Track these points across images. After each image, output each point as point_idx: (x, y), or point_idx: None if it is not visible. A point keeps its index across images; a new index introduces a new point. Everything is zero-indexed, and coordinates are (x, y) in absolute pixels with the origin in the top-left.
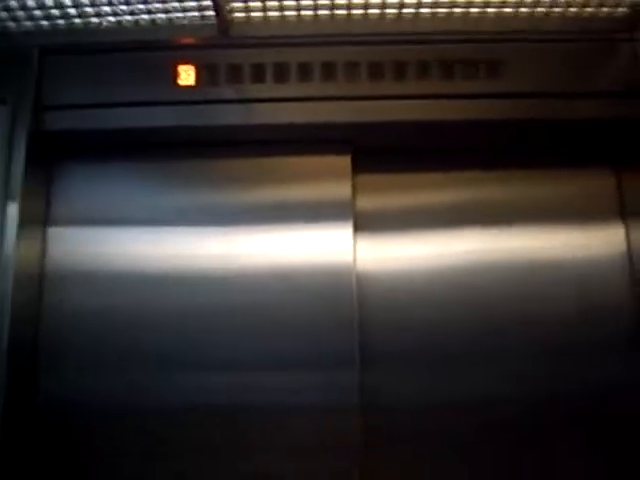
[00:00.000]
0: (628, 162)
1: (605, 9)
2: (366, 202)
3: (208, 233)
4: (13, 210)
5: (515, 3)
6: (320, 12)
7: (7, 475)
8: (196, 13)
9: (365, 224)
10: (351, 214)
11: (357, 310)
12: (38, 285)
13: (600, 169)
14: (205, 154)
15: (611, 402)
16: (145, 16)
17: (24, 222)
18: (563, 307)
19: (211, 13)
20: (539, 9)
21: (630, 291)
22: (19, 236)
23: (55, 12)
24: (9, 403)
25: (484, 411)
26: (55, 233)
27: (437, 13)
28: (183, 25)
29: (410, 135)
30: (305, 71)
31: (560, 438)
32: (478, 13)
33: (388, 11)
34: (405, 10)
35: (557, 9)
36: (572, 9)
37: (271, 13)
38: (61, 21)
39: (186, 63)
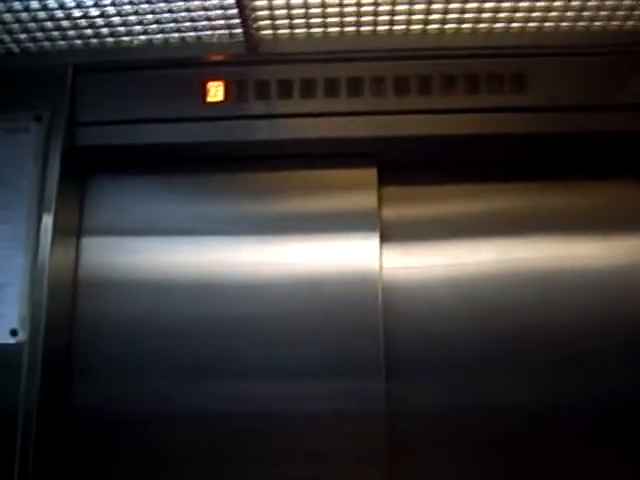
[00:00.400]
0: None
1: (630, 22)
2: (392, 213)
3: (237, 243)
4: (48, 221)
5: (540, 18)
6: (346, 29)
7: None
8: (224, 31)
9: (391, 234)
10: (378, 224)
11: (383, 319)
12: (72, 294)
13: (625, 181)
14: (234, 168)
15: (632, 413)
16: (175, 34)
17: (58, 233)
18: (590, 318)
19: (239, 31)
20: (564, 24)
21: None
22: (53, 246)
23: (88, 32)
24: (44, 410)
25: (510, 419)
26: (88, 243)
27: (462, 29)
28: (212, 43)
29: (435, 148)
30: (332, 86)
31: (584, 447)
32: (503, 28)
33: (413, 27)
34: (430, 26)
35: (582, 23)
36: (597, 23)
37: (298, 30)
38: (94, 40)
39: (215, 80)
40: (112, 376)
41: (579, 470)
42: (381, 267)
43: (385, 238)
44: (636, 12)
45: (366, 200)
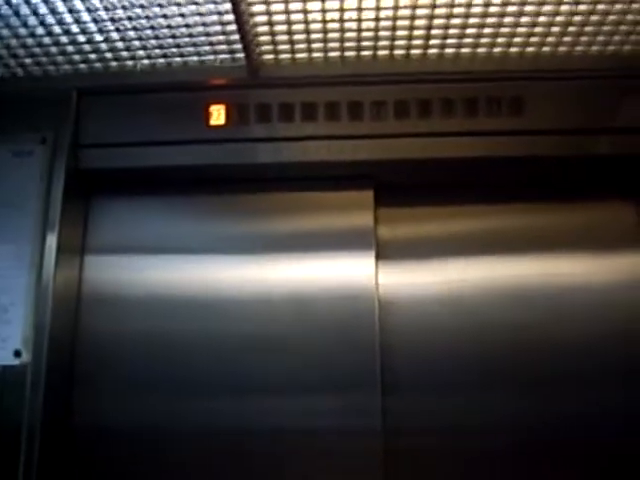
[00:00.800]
0: None
1: (627, 47)
2: (388, 232)
3: (237, 262)
4: (52, 241)
5: (538, 43)
6: (347, 53)
7: None
8: (227, 55)
9: (387, 253)
10: (373, 243)
11: (379, 335)
12: (75, 312)
13: (621, 202)
14: (235, 189)
15: (624, 430)
16: (178, 58)
17: (62, 252)
18: (586, 335)
19: (241, 55)
20: (561, 48)
21: None
22: (57, 265)
23: (92, 56)
24: (47, 426)
25: (506, 435)
26: (91, 262)
27: (460, 53)
28: (214, 66)
29: (432, 171)
30: (332, 110)
31: (580, 465)
32: (501, 52)
33: (413, 51)
34: (430, 50)
35: (579, 48)
36: (594, 47)
37: (299, 55)
38: (98, 64)
39: (217, 103)
40: (113, 392)
41: None
42: (377, 284)
43: (381, 256)
44: (632, 37)
45: (363, 220)
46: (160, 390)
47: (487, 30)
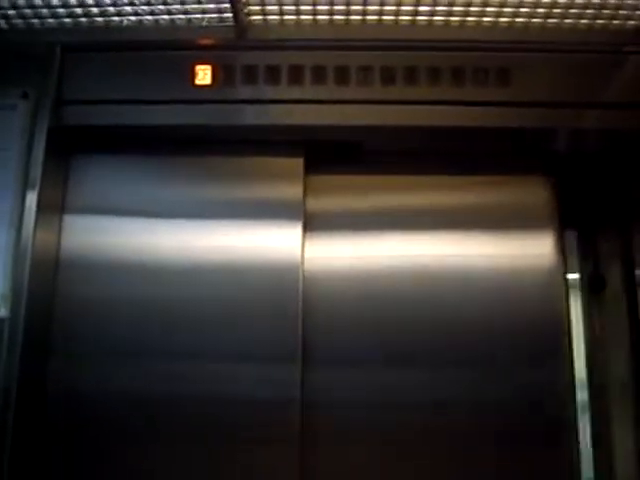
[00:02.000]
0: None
1: (616, 22)
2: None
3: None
4: (32, 199)
5: (527, 14)
6: (335, 17)
7: (21, 457)
8: (214, 15)
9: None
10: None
11: (302, 308)
12: (54, 272)
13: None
14: (224, 151)
15: (531, 412)
16: (165, 16)
17: (42, 211)
18: (497, 315)
19: (229, 15)
20: (551, 20)
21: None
22: (37, 223)
23: (78, 10)
24: (23, 385)
25: (422, 410)
26: (71, 222)
27: (450, 21)
28: (201, 26)
29: (416, 139)
30: (320, 74)
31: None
32: (491, 22)
33: (402, 18)
34: (419, 17)
35: (568, 20)
36: (583, 21)
37: (287, 17)
38: (83, 19)
39: (203, 63)
40: (88, 355)
41: (485, 465)
42: (303, 256)
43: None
44: (621, 11)
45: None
46: (135, 354)
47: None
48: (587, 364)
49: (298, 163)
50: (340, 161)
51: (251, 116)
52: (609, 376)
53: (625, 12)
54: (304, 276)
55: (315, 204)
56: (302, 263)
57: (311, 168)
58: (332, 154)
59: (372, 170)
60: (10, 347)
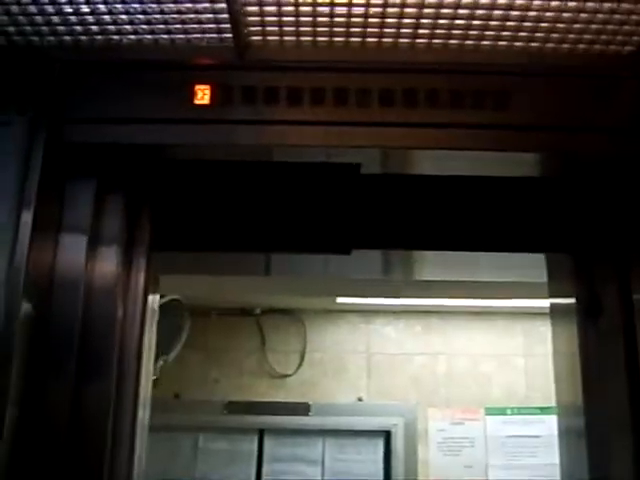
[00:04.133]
0: None
1: (613, 47)
2: None
3: None
4: (27, 218)
5: (526, 37)
6: (335, 39)
7: None
8: (214, 35)
9: None
10: None
11: None
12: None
13: None
14: None
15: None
16: (165, 35)
17: (37, 230)
18: None
19: (229, 36)
20: (549, 45)
21: None
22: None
23: (78, 28)
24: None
25: None
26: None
27: (449, 44)
28: (201, 46)
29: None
30: (318, 95)
31: None
32: (490, 45)
33: (401, 40)
34: (418, 40)
35: (566, 45)
36: (581, 46)
37: (287, 38)
38: (83, 37)
39: (203, 83)
40: None
41: None
42: None
43: None
44: (619, 37)
45: None
46: None
47: (476, 22)
48: (583, 390)
49: None
50: None
51: (249, 136)
52: (605, 402)
53: (622, 38)
54: None
55: None
56: None
57: None
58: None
59: None
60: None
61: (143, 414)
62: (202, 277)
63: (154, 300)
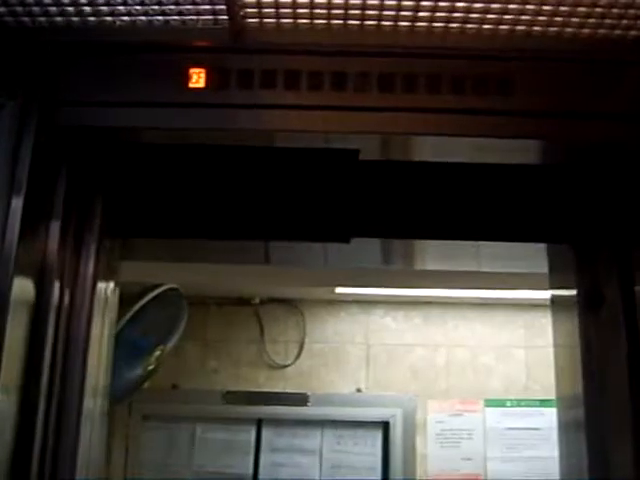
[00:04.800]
0: None
1: (617, 32)
2: None
3: None
4: (17, 203)
5: (529, 21)
6: (333, 21)
7: None
8: (210, 17)
9: None
10: None
11: None
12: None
13: None
14: None
15: None
16: (159, 17)
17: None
18: None
19: (224, 17)
20: (552, 29)
21: None
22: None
23: (70, 9)
24: None
25: None
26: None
27: (450, 28)
28: (196, 29)
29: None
30: (316, 79)
31: None
32: (491, 30)
33: (401, 24)
34: (418, 23)
35: (569, 29)
36: (585, 30)
37: (284, 20)
38: (76, 18)
39: (197, 66)
40: None
41: None
42: None
43: None
44: (624, 21)
45: None
46: None
47: (477, 5)
48: (583, 382)
49: None
50: None
51: (245, 120)
52: (606, 394)
53: (627, 22)
54: None
55: None
56: None
57: None
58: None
59: None
60: None
61: (94, 404)
62: (200, 265)
63: (107, 288)
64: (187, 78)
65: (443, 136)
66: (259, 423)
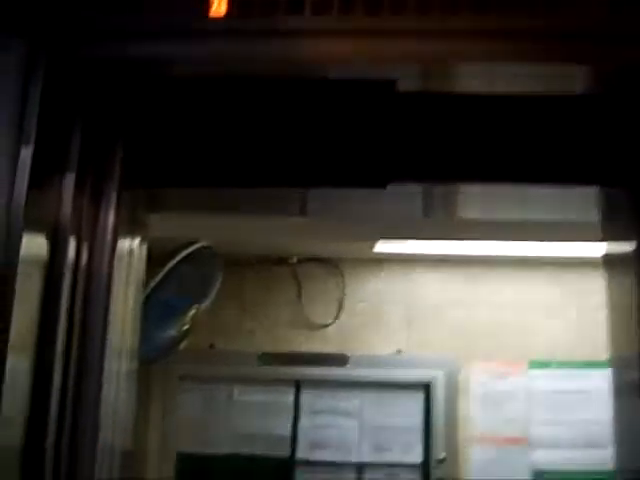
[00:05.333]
0: None
1: None
2: None
3: None
4: (26, 154)
5: None
6: None
7: None
8: None
9: None
10: None
11: None
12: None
13: None
14: None
15: None
16: None
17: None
18: None
19: None
20: None
21: None
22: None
23: None
24: None
25: None
26: None
27: None
28: None
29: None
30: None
31: None
32: None
33: None
34: None
35: None
36: None
37: None
38: None
39: None
40: None
41: None
42: None
43: None
44: None
45: None
46: None
47: None
48: None
49: None
50: None
51: (270, 50)
52: None
53: None
54: None
55: None
56: None
57: None
58: None
59: None
60: None
61: (119, 366)
62: (234, 220)
63: (132, 243)
64: (208, 5)
65: (489, 62)
66: (298, 385)
